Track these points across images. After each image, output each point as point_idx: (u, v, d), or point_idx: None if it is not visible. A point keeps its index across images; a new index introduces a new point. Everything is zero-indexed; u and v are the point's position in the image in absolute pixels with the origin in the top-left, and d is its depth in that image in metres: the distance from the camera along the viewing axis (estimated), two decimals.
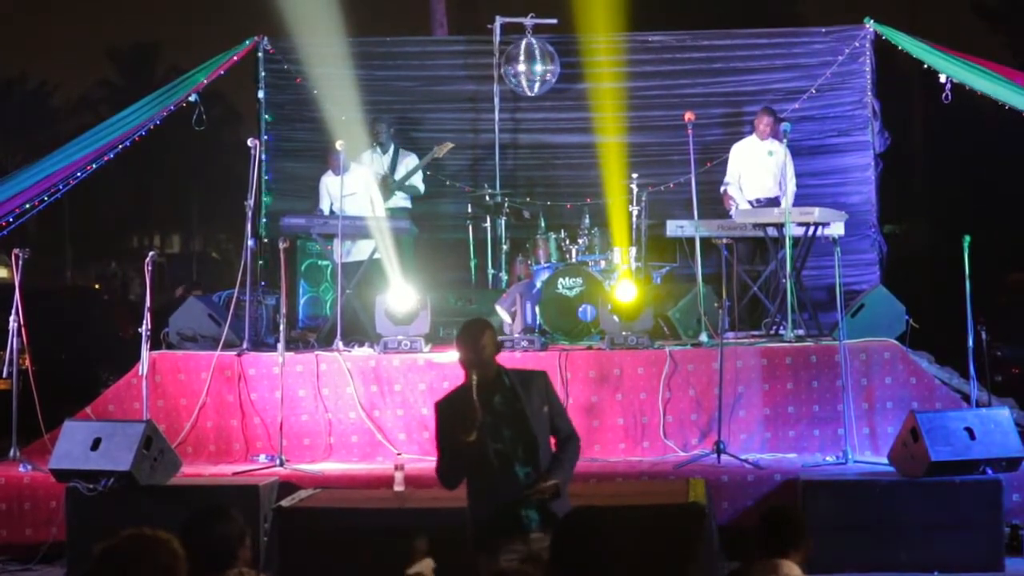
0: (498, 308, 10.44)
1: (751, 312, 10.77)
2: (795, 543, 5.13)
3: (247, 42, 12.00)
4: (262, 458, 9.15)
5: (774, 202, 10.90)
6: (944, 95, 10.93)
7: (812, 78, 11.96)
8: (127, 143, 11.10)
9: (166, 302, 11.31)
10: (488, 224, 11.51)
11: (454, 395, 5.64)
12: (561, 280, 10.32)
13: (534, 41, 11.87)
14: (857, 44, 11.90)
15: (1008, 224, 21.29)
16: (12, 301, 9.29)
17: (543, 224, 11.25)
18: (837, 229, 10.36)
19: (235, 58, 11.76)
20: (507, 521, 5.41)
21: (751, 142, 11.31)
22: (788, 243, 9.89)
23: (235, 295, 9.85)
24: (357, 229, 10.47)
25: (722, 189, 11.33)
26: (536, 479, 5.39)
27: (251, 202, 9.95)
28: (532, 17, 11.93)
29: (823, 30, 12.17)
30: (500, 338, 9.52)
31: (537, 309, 10.15)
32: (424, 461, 9.14)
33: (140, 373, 9.11)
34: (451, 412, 5.50)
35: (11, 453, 9.10)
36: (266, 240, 11.72)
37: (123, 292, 28.04)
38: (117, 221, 46.81)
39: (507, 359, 9.27)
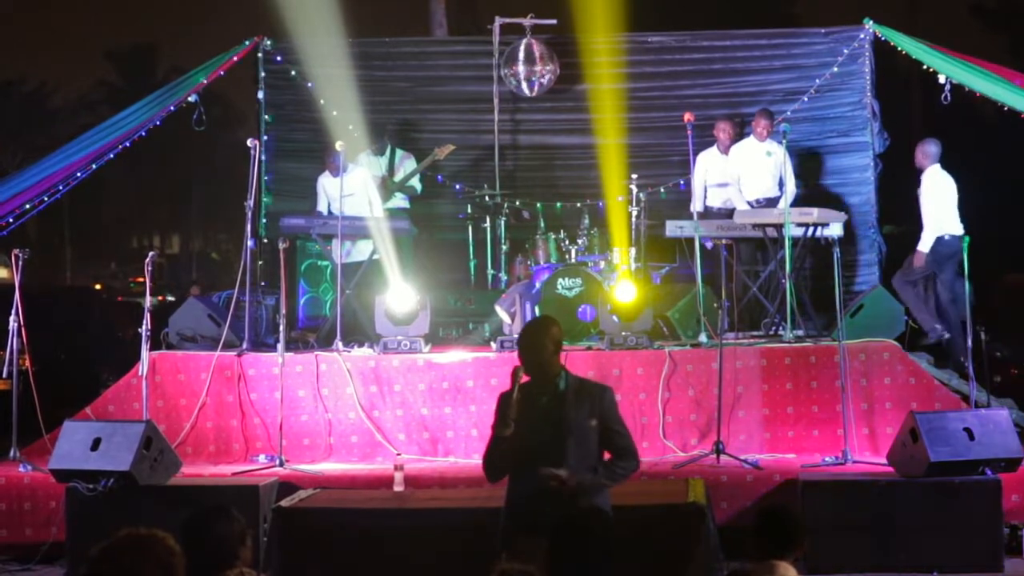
0: (498, 308, 10.45)
1: (750, 312, 10.77)
2: (792, 544, 5.13)
3: (247, 42, 11.99)
4: (262, 458, 9.15)
5: (773, 203, 10.91)
6: (944, 96, 10.92)
7: (811, 79, 11.94)
8: (127, 143, 11.10)
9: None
10: (488, 224, 11.50)
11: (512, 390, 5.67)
12: (560, 280, 10.33)
13: (533, 42, 11.87)
14: (856, 45, 11.87)
15: (1006, 225, 21.26)
16: (12, 301, 9.29)
17: (542, 224, 11.25)
18: (836, 230, 10.36)
19: (235, 58, 11.73)
20: (526, 519, 5.41)
21: (750, 143, 11.31)
22: (788, 243, 9.90)
23: (235, 295, 9.85)
24: (357, 230, 10.49)
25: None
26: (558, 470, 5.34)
27: (251, 203, 9.94)
28: (531, 18, 11.92)
29: (822, 31, 12.14)
30: (500, 338, 9.69)
31: (536, 309, 10.14)
32: (424, 461, 9.17)
33: (140, 373, 9.11)
34: (501, 405, 5.52)
35: (11, 453, 9.09)
36: (266, 240, 11.72)
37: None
38: (117, 222, 46.83)
39: (505, 359, 9.36)
